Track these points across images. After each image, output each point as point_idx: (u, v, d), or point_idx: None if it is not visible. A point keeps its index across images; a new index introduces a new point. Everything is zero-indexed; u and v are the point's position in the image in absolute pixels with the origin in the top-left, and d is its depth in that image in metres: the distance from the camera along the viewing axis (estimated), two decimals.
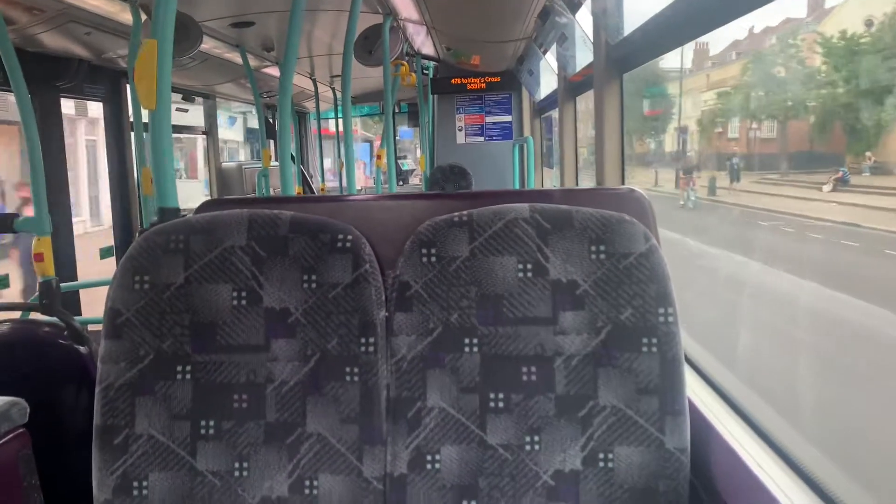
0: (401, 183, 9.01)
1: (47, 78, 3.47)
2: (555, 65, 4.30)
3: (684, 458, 1.16)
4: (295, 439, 1.19)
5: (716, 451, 1.20)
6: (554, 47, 4.15)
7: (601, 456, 1.17)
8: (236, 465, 1.19)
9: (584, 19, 3.28)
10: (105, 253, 4.28)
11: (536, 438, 1.18)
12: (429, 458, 1.18)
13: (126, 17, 3.03)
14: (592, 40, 2.56)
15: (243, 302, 1.22)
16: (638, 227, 1.21)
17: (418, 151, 8.51)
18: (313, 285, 1.22)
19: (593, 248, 1.20)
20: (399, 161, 9.46)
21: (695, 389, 1.40)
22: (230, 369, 1.21)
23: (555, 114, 4.77)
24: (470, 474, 1.18)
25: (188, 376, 1.20)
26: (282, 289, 1.22)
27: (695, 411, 1.25)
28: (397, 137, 9.41)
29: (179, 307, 1.21)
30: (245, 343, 1.21)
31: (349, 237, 1.24)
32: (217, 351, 1.21)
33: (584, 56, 3.39)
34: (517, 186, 6.32)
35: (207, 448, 1.19)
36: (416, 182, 10.03)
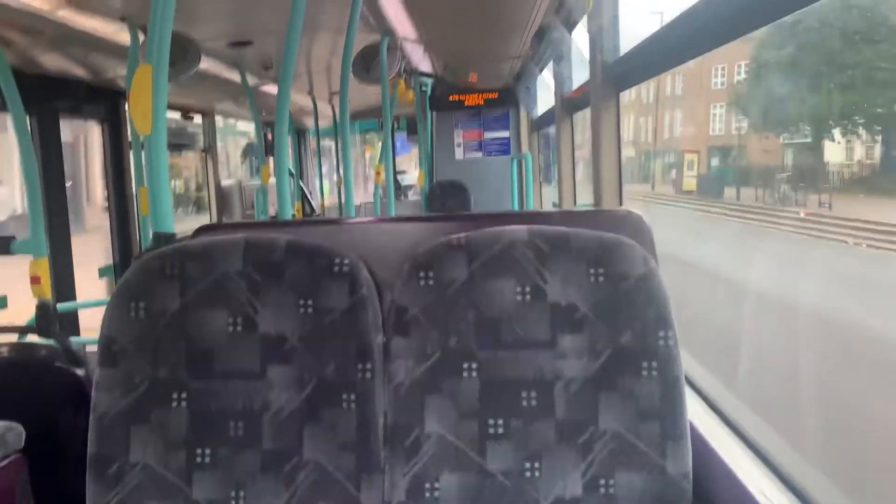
0: (401, 197, 9.02)
1: (46, 99, 3.47)
2: (551, 82, 4.31)
3: (686, 485, 1.14)
4: (292, 467, 1.18)
5: (718, 476, 1.18)
6: (550, 65, 4.17)
7: (602, 482, 1.15)
8: (232, 493, 1.18)
9: (580, 38, 3.30)
10: (104, 272, 4.27)
11: (536, 465, 1.16)
12: (427, 486, 1.17)
13: (124, 38, 3.04)
14: (589, 59, 2.57)
15: (239, 328, 1.21)
16: (636, 249, 1.20)
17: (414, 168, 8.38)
18: (310, 310, 1.21)
19: (592, 271, 1.19)
20: (398, 176, 9.47)
21: (696, 413, 1.39)
22: (226, 397, 1.20)
23: (552, 130, 4.77)
24: (469, 502, 1.16)
25: (184, 404, 1.19)
26: (278, 315, 1.21)
27: (696, 435, 1.24)
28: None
29: (175, 334, 1.20)
30: (241, 370, 1.20)
31: (346, 261, 1.23)
32: (213, 378, 1.20)
33: (580, 74, 3.40)
34: (515, 202, 6.31)
35: (203, 477, 1.18)
36: (415, 198, 10.04)
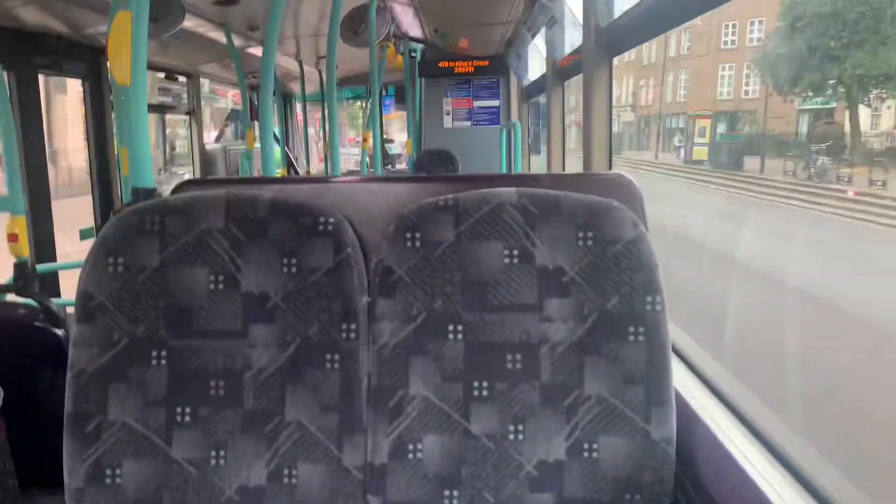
0: (388, 167, 8.96)
1: (25, 54, 3.38)
2: (543, 49, 4.25)
3: (670, 449, 1.14)
4: (273, 427, 1.17)
5: (701, 442, 1.18)
6: (543, 31, 4.11)
7: (586, 446, 1.15)
8: (213, 453, 1.16)
9: (573, 2, 3.24)
10: (85, 234, 4.21)
11: (521, 427, 1.16)
12: (410, 447, 1.16)
13: None
14: (582, 23, 2.53)
15: (220, 286, 1.18)
16: (626, 213, 1.18)
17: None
18: (293, 269, 1.19)
19: (581, 235, 1.18)
20: (386, 144, 9.39)
21: (681, 380, 1.38)
22: (207, 355, 1.18)
23: (542, 99, 4.73)
24: (452, 464, 1.16)
25: (163, 362, 1.17)
26: (260, 273, 1.19)
27: (681, 402, 1.24)
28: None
29: (154, 290, 1.18)
30: (222, 328, 1.18)
31: (331, 220, 1.20)
32: (193, 336, 1.18)
33: (572, 40, 3.35)
34: (504, 171, 6.28)
35: (183, 436, 1.16)
36: (402, 167, 9.94)
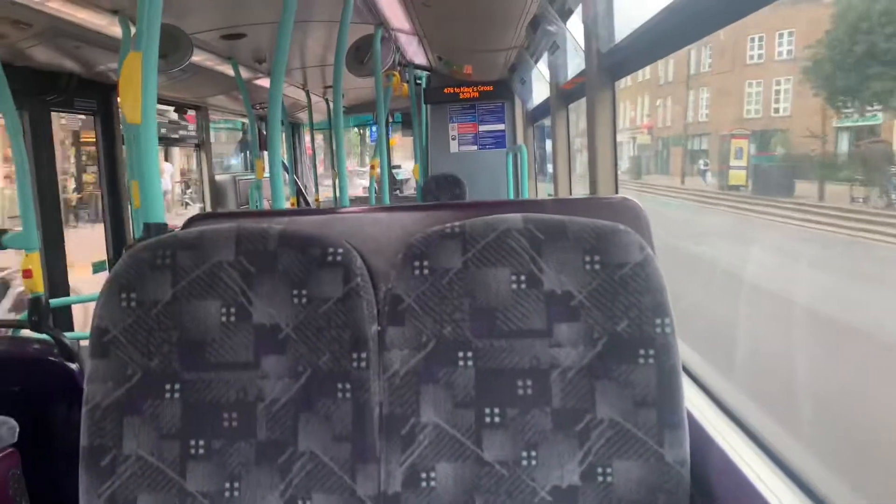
0: (397, 192, 9.02)
1: (37, 92, 3.45)
2: (547, 73, 4.29)
3: (684, 472, 1.14)
4: (287, 458, 1.17)
5: (715, 463, 1.18)
6: (545, 56, 4.15)
7: (599, 470, 1.14)
8: (227, 485, 1.17)
9: (574, 27, 3.28)
10: (98, 267, 4.26)
11: (533, 454, 1.16)
12: (423, 475, 1.16)
13: (116, 30, 3.01)
14: (584, 48, 2.56)
15: (232, 318, 1.20)
16: (633, 236, 1.19)
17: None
18: (303, 300, 1.20)
19: (587, 259, 1.18)
20: (393, 170, 9.46)
21: (693, 401, 1.38)
22: (220, 387, 1.19)
23: (547, 122, 4.76)
24: (466, 491, 1.16)
25: (177, 395, 1.18)
26: (271, 304, 1.20)
27: (693, 423, 1.23)
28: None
29: (167, 324, 1.19)
30: (234, 360, 1.19)
31: (339, 250, 1.22)
32: (206, 369, 1.19)
33: (575, 64, 3.39)
34: (511, 195, 6.31)
35: (197, 468, 1.17)
36: (409, 192, 9.99)
